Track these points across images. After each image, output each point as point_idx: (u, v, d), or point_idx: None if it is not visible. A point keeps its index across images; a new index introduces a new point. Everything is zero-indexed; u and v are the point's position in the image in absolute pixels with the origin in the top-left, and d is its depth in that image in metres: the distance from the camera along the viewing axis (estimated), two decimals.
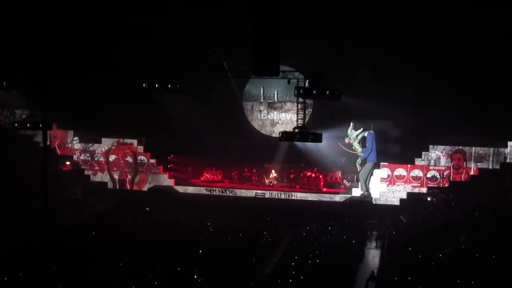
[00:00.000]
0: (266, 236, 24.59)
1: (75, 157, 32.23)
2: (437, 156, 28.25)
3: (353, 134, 28.88)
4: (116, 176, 31.95)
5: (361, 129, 28.78)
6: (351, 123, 28.94)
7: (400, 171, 28.57)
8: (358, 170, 29.16)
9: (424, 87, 26.95)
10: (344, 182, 30.52)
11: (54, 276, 18.88)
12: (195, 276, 19.12)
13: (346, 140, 29.14)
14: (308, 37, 27.06)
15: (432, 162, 28.31)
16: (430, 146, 28.38)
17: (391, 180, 28.61)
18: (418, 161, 28.49)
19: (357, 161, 29.09)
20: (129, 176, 31.88)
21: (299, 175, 31.03)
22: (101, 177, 32.10)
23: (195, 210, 27.99)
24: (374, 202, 28.54)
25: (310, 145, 28.36)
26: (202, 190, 30.79)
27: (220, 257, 21.13)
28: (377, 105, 27.25)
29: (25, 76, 23.64)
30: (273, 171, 31.65)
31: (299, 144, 29.02)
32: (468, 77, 25.80)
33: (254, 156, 31.46)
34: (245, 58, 22.27)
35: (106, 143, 31.98)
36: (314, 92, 20.98)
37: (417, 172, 28.42)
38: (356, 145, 28.92)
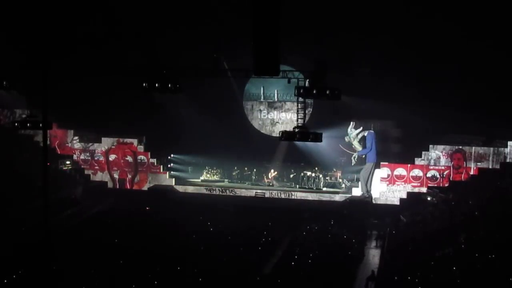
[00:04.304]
0: (266, 236, 24.59)
1: (75, 157, 32.27)
2: (437, 156, 28.27)
3: (353, 133, 28.96)
4: (116, 176, 31.97)
5: (361, 128, 28.82)
6: (351, 123, 29.00)
7: (400, 170, 28.60)
8: (353, 164, 29.22)
9: (424, 86, 26.93)
10: (344, 181, 30.54)
11: (54, 276, 18.87)
12: (195, 276, 19.12)
13: (346, 139, 29.22)
14: (308, 36, 27.06)
15: (432, 162, 28.33)
16: (430, 146, 28.41)
17: (391, 180, 28.63)
18: (418, 161, 28.52)
19: (353, 156, 29.15)
20: (129, 176, 31.90)
21: (299, 174, 31.05)
22: (101, 176, 32.13)
23: (195, 209, 28.00)
24: (374, 201, 28.58)
25: (310, 144, 28.36)
26: (202, 190, 30.81)
27: (220, 257, 21.14)
28: (377, 104, 27.27)
29: (25, 75, 23.62)
30: (272, 170, 31.66)
31: (299, 143, 29.02)
32: (468, 77, 25.79)
33: (254, 156, 31.50)
34: (245, 57, 22.27)
35: (106, 142, 32.01)
36: (314, 91, 20.97)
37: (417, 172, 28.44)
38: (356, 144, 29.01)
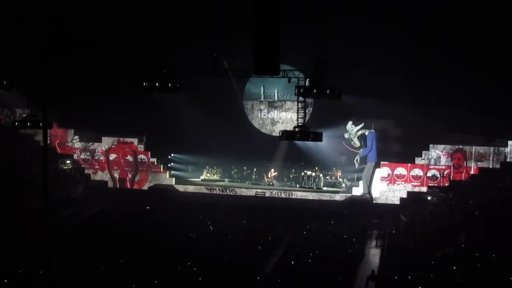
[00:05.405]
0: (266, 235, 24.58)
1: (75, 156, 32.30)
2: (438, 155, 28.27)
3: (354, 130, 29.03)
4: (116, 175, 31.99)
5: (362, 124, 28.86)
6: (350, 121, 29.08)
7: (401, 170, 28.60)
8: (356, 167, 29.30)
9: (425, 86, 26.92)
10: (344, 181, 30.53)
11: (54, 276, 18.87)
12: (195, 275, 19.12)
13: (346, 136, 29.28)
14: (308, 36, 27.07)
15: (432, 161, 28.33)
16: (431, 145, 28.42)
17: (391, 179, 28.63)
18: (418, 160, 28.52)
19: (355, 158, 29.21)
20: (129, 175, 31.92)
21: (299, 174, 31.05)
22: (101, 176, 32.15)
23: (195, 209, 28.00)
24: (374, 201, 28.58)
25: (310, 144, 28.38)
26: (202, 189, 30.83)
27: (220, 256, 21.14)
28: (378, 104, 27.27)
29: (25, 75, 23.62)
30: (273, 170, 31.67)
31: (299, 143, 29.04)
32: (469, 76, 25.77)
33: (254, 155, 31.52)
34: (245, 57, 22.28)
35: (106, 142, 32.03)
36: (314, 91, 20.96)
37: (417, 171, 28.44)
38: (356, 140, 29.08)
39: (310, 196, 29.53)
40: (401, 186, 28.53)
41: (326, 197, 29.31)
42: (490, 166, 27.49)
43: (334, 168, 30.99)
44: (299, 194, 29.69)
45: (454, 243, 21.24)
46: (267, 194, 30.02)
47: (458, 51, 25.31)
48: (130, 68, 25.44)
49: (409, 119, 27.62)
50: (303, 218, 27.18)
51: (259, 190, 30.32)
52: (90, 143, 32.23)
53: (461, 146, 27.99)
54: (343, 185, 30.36)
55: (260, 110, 33.00)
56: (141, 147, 31.91)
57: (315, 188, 30.14)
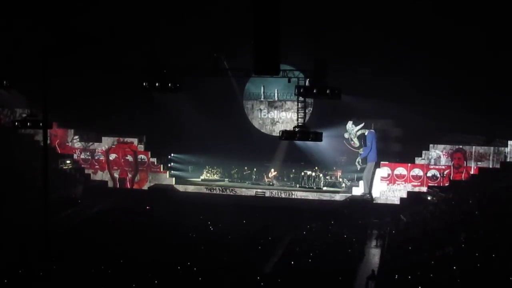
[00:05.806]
0: (266, 235, 24.58)
1: (75, 156, 32.29)
2: (438, 155, 28.26)
3: (354, 130, 29.08)
4: (116, 175, 31.99)
5: (362, 124, 28.87)
6: (350, 121, 29.10)
7: (401, 170, 28.59)
8: (358, 169, 29.33)
9: (425, 86, 26.93)
10: (344, 181, 30.53)
11: (54, 276, 18.89)
12: (195, 276, 19.12)
13: (346, 135, 29.31)
14: (308, 36, 27.07)
15: (432, 161, 28.32)
16: (431, 145, 28.41)
17: (391, 179, 28.62)
18: (418, 160, 28.51)
19: (357, 160, 29.24)
20: (129, 175, 31.91)
21: (299, 174, 31.05)
22: (101, 176, 32.14)
23: (195, 209, 28.00)
24: (374, 201, 28.57)
25: (310, 144, 28.38)
26: (202, 189, 30.82)
27: (220, 256, 21.15)
28: (378, 104, 27.27)
29: (25, 75, 23.62)
30: (272, 170, 31.67)
31: (299, 143, 29.03)
32: (469, 75, 25.77)
33: (254, 155, 31.51)
34: (245, 57, 22.30)
35: (107, 142, 32.03)
36: (314, 91, 20.98)
37: (417, 171, 28.43)
38: (355, 140, 29.11)
39: (310, 196, 29.52)
40: (401, 186, 28.53)
41: (326, 197, 29.30)
42: (490, 166, 27.48)
43: (334, 168, 30.98)
44: (299, 194, 29.68)
45: (454, 242, 21.23)
46: (267, 194, 30.02)
47: (458, 51, 25.31)
48: (130, 68, 25.47)
49: (409, 119, 27.61)
50: (303, 218, 27.16)
51: (259, 190, 30.31)
52: (90, 143, 32.23)
53: (461, 146, 27.99)
54: (343, 185, 30.35)
55: (260, 110, 33.00)
56: (141, 147, 31.90)
57: (315, 188, 30.14)
